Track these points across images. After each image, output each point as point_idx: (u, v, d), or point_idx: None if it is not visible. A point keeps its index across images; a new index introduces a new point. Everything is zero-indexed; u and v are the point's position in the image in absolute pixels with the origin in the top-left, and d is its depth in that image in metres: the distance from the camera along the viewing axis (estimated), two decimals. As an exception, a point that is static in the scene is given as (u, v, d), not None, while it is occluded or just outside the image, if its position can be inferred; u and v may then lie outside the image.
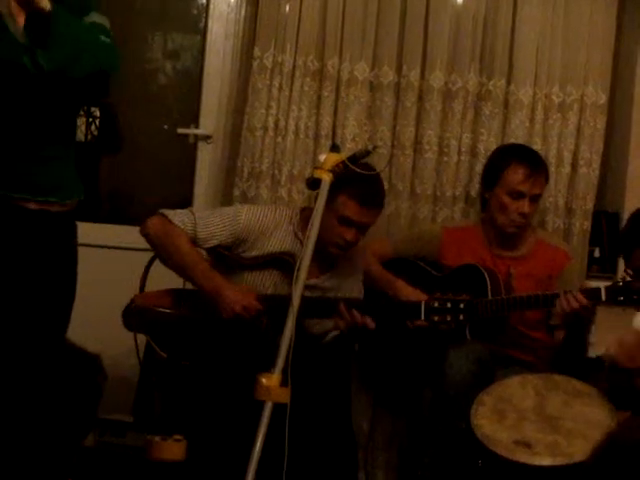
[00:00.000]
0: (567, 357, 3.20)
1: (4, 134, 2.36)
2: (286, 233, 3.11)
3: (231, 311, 2.92)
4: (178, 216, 3.04)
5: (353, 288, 3.21)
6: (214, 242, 3.05)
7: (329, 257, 3.08)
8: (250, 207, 3.17)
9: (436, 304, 2.98)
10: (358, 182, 2.83)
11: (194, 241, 3.03)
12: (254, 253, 3.08)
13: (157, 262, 3.15)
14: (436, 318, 2.97)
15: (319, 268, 3.08)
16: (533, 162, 3.29)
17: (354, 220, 2.98)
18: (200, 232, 3.02)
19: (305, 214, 3.10)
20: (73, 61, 2.30)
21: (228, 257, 3.09)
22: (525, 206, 3.23)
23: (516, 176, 3.24)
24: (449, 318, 2.96)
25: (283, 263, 3.04)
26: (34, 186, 2.40)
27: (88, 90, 2.44)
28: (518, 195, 3.24)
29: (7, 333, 2.38)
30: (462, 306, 2.95)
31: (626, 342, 2.65)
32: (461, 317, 2.95)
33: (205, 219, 3.05)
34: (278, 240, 3.10)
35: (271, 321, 2.93)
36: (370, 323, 2.97)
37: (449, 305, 2.96)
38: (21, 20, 2.25)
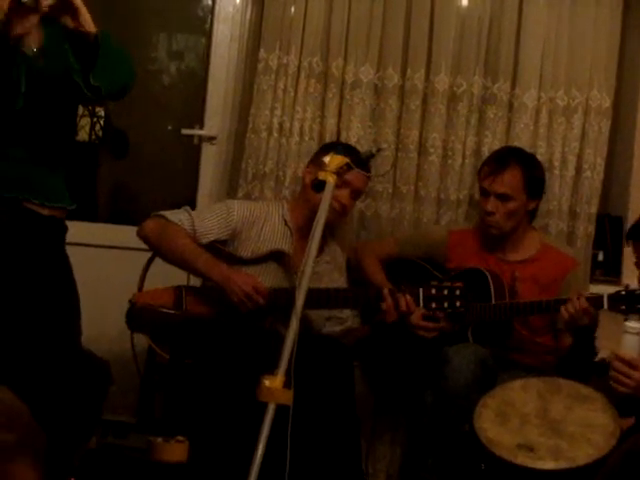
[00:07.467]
0: (574, 361, 3.20)
1: (18, 138, 2.36)
2: (276, 222, 3.21)
3: (242, 292, 2.97)
4: (174, 215, 3.13)
5: (338, 279, 3.29)
6: (212, 236, 3.13)
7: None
8: (240, 201, 3.32)
9: (433, 291, 3.01)
10: None
11: (192, 237, 3.10)
12: (249, 247, 3.15)
13: (156, 262, 3.17)
14: (434, 305, 3.00)
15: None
16: (498, 161, 3.28)
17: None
18: (198, 227, 3.11)
19: (293, 202, 3.27)
20: (114, 80, 2.33)
21: (225, 253, 3.15)
22: (489, 204, 3.24)
23: (482, 174, 3.31)
24: (446, 304, 2.99)
25: (279, 257, 3.12)
26: (46, 191, 2.40)
27: (113, 99, 2.45)
28: (483, 192, 3.28)
29: (18, 336, 2.38)
30: (458, 293, 2.96)
31: (615, 368, 2.61)
32: (458, 303, 2.97)
33: (201, 215, 3.16)
34: (270, 230, 3.19)
35: (275, 318, 2.97)
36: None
37: (446, 292, 2.99)
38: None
